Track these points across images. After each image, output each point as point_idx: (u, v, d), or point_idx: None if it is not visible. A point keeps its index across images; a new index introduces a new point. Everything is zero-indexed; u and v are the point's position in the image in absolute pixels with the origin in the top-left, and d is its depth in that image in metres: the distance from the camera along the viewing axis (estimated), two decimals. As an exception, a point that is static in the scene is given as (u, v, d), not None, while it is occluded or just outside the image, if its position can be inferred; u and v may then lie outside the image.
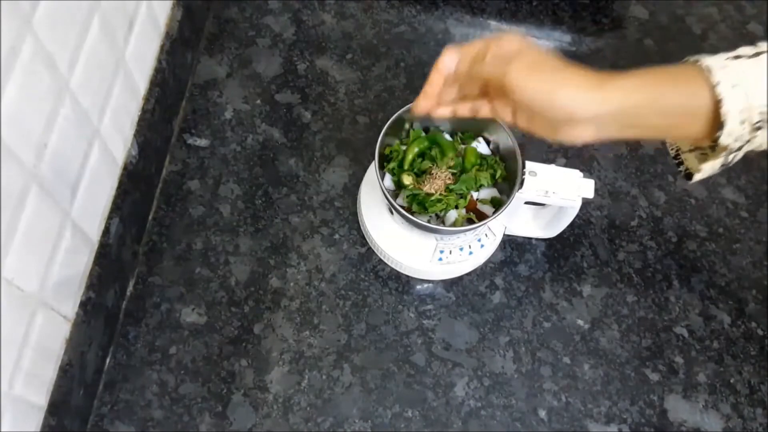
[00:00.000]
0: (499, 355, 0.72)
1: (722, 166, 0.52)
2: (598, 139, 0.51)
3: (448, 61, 0.53)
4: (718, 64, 0.48)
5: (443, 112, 0.57)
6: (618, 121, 0.49)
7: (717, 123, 0.48)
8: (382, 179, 0.66)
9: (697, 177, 0.55)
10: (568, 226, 0.73)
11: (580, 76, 0.49)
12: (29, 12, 0.48)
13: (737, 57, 0.48)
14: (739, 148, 0.50)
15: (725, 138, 0.48)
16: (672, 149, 0.58)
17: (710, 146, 0.51)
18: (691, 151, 0.55)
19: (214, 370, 0.69)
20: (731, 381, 0.72)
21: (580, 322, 0.74)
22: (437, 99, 0.56)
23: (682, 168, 0.57)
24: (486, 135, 0.69)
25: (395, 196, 0.68)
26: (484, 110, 0.56)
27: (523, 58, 0.50)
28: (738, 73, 0.47)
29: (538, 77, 0.50)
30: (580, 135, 0.50)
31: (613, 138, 0.51)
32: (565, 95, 0.49)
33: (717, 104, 0.47)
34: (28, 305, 0.53)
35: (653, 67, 0.50)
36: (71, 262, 0.60)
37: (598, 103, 0.48)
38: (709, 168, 0.53)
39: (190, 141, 0.80)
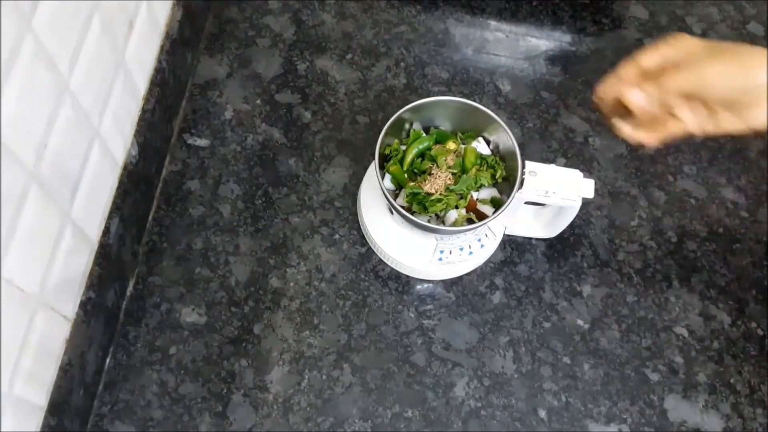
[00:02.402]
0: (499, 355, 0.72)
1: None
2: None
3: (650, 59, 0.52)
4: None
5: (637, 96, 0.53)
6: None
7: None
8: (382, 179, 0.66)
9: None
10: (568, 226, 0.73)
11: None
12: (29, 12, 0.48)
13: None
14: None
15: None
16: None
17: None
18: None
19: (214, 370, 0.69)
20: (731, 381, 0.72)
21: (580, 322, 0.74)
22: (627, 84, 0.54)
23: None
24: (486, 135, 0.69)
25: (395, 196, 0.68)
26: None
27: (702, 52, 0.49)
28: None
29: (726, 57, 0.49)
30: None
31: None
32: (759, 66, 0.48)
33: None
34: (28, 305, 0.53)
35: None
36: (71, 263, 0.60)
37: None
38: None
39: (190, 141, 0.80)
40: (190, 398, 0.67)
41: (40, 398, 0.57)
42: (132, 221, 0.71)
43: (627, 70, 0.54)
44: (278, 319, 0.71)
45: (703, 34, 0.92)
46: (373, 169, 0.74)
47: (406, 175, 0.67)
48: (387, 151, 0.69)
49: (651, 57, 0.53)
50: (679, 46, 0.51)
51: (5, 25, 0.45)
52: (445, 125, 0.70)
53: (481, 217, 0.66)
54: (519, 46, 0.89)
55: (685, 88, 0.51)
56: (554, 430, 0.69)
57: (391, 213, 0.69)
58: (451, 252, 0.70)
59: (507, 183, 0.68)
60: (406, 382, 0.70)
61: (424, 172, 0.68)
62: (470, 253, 0.71)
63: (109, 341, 0.69)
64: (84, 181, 0.61)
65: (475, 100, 0.70)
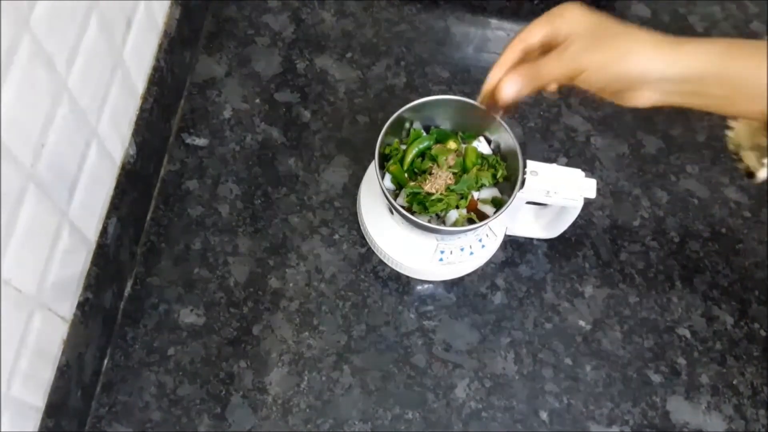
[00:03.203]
0: (500, 356, 0.71)
1: None
2: (661, 104, 0.51)
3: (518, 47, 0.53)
4: None
5: (509, 90, 0.54)
6: (682, 87, 0.49)
7: None
8: (382, 179, 0.66)
9: (761, 175, 0.55)
10: (569, 227, 0.72)
11: (650, 36, 0.49)
12: (27, 11, 0.48)
13: None
14: None
15: None
16: (732, 145, 0.58)
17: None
18: (752, 149, 0.55)
19: (213, 371, 0.68)
20: (734, 382, 0.71)
21: (581, 323, 0.73)
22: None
23: (742, 166, 0.57)
24: (487, 134, 0.69)
25: (395, 196, 0.67)
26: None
27: (584, 35, 0.50)
28: None
29: (606, 46, 0.50)
30: (643, 99, 0.50)
31: (675, 104, 0.51)
32: (637, 57, 0.49)
33: None
34: (25, 306, 0.53)
35: (728, 38, 0.49)
36: (69, 263, 0.60)
37: (667, 64, 0.48)
38: None
39: (188, 140, 0.79)
40: (188, 400, 0.67)
41: (38, 399, 0.57)
42: (130, 221, 0.70)
43: (509, 52, 0.54)
44: (277, 320, 0.71)
45: (706, 33, 0.91)
46: (373, 168, 0.73)
47: (406, 175, 0.67)
48: (387, 151, 0.68)
49: (536, 31, 0.53)
50: (564, 19, 0.51)
51: (3, 25, 0.45)
52: (446, 124, 0.70)
53: (482, 217, 0.66)
54: (520, 45, 0.89)
55: (562, 78, 0.51)
56: (555, 431, 0.68)
57: (391, 213, 0.69)
58: (451, 252, 0.70)
59: (508, 183, 0.67)
60: (406, 383, 0.69)
61: (424, 171, 0.67)
62: (471, 253, 0.70)
63: (107, 342, 0.69)
64: (82, 180, 0.60)
65: (475, 99, 0.69)
